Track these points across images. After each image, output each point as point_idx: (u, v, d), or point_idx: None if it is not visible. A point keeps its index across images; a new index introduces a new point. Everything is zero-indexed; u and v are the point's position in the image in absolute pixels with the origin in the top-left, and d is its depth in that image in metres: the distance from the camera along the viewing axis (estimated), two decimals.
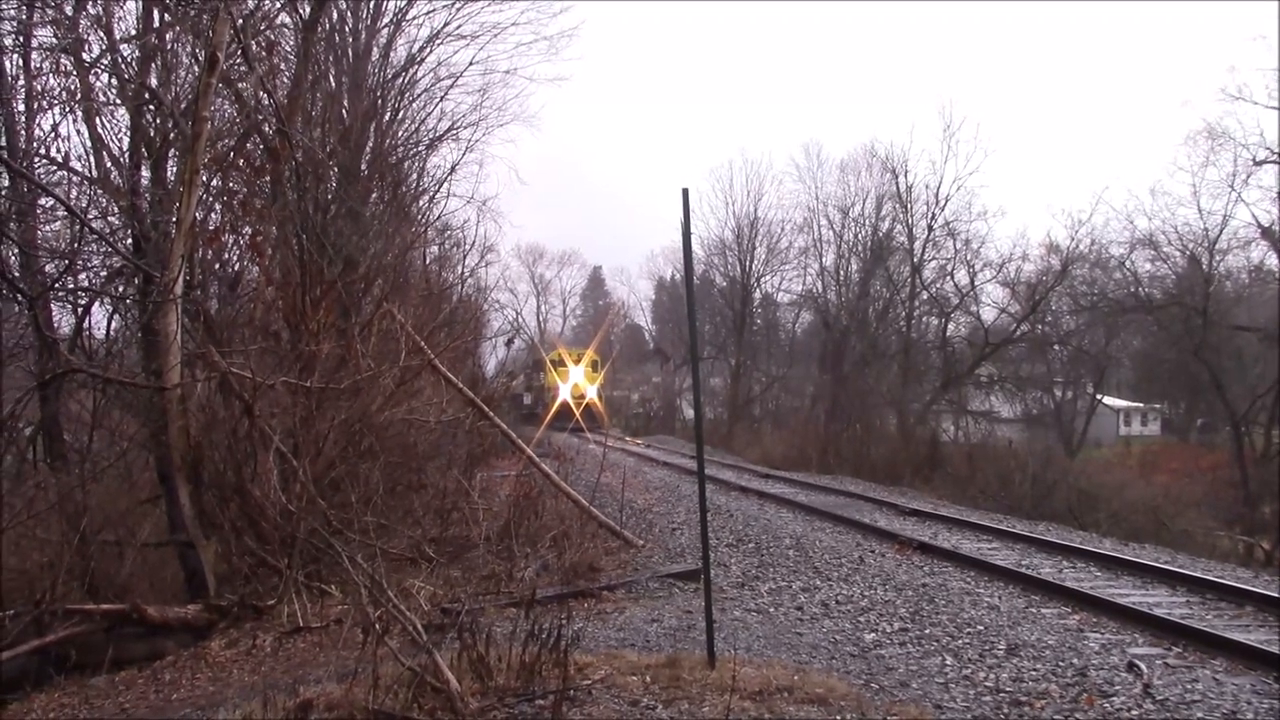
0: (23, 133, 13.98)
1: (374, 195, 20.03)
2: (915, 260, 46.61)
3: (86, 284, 13.94)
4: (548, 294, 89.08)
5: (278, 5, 16.15)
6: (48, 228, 13.91)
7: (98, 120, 14.08)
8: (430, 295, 20.31)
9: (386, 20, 23.30)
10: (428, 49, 23.79)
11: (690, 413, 56.13)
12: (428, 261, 25.28)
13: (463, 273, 25.67)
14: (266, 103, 14.47)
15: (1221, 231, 41.81)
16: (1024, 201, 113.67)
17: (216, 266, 14.91)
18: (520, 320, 76.92)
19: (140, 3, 14.18)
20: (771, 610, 10.70)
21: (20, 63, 13.88)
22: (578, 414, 39.41)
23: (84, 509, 11.99)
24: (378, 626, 6.81)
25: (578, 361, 47.95)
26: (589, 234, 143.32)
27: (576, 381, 45.79)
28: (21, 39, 13.56)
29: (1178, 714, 6.90)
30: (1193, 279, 43.70)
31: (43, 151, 13.63)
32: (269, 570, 11.71)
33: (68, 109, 13.52)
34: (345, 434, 12.95)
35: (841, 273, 51.56)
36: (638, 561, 13.43)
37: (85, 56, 13.82)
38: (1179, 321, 42.38)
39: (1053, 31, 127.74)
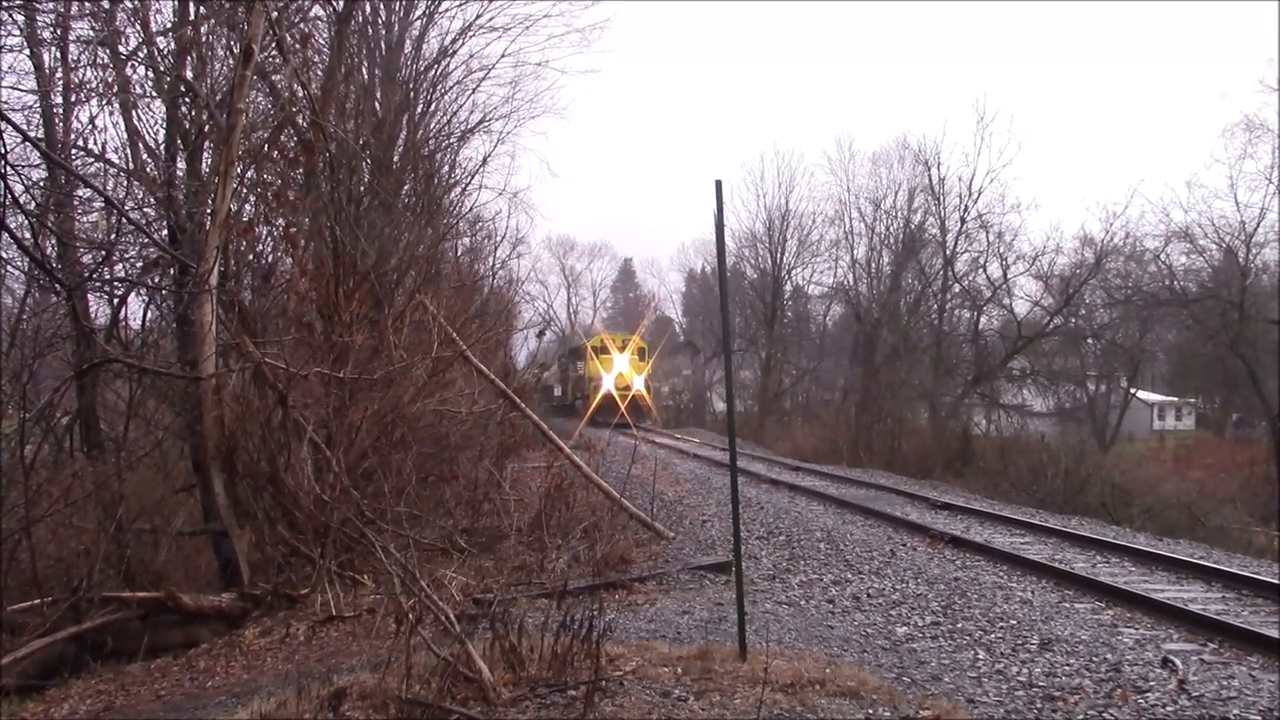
0: (60, 125, 14.11)
1: (406, 187, 20.13)
2: (947, 253, 46.30)
3: (123, 274, 14.05)
4: (578, 286, 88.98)
5: None
6: (85, 219, 14.03)
7: (134, 113, 14.20)
8: (462, 287, 20.39)
9: (419, 13, 23.41)
10: (460, 41, 23.87)
11: (720, 405, 55.90)
12: (459, 253, 25.45)
13: (494, 264, 25.87)
14: (300, 95, 14.56)
15: (1259, 224, 41.23)
16: (1058, 194, 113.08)
17: (250, 258, 15.01)
18: (551, 312, 77.11)
19: None
20: (802, 603, 10.70)
21: (58, 55, 14.01)
22: (623, 407, 35.32)
23: (120, 498, 12.11)
24: (410, 616, 6.85)
25: (622, 348, 43.55)
26: (620, 226, 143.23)
27: (621, 370, 41.66)
28: (60, 32, 13.68)
29: (1213, 710, 6.85)
30: (1229, 272, 43.22)
31: (80, 143, 13.74)
32: (302, 559, 11.79)
33: (105, 101, 13.62)
34: (378, 424, 13.02)
35: (873, 265, 51.34)
36: (669, 553, 13.44)
37: (122, 49, 13.92)
38: (1215, 315, 41.89)
39: (1088, 23, 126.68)
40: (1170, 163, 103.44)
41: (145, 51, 14.14)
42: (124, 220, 12.11)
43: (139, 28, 14.07)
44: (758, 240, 58.52)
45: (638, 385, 42.06)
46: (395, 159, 20.33)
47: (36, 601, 10.41)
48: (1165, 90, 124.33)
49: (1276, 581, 11.21)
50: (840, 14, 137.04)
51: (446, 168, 24.45)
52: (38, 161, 12.24)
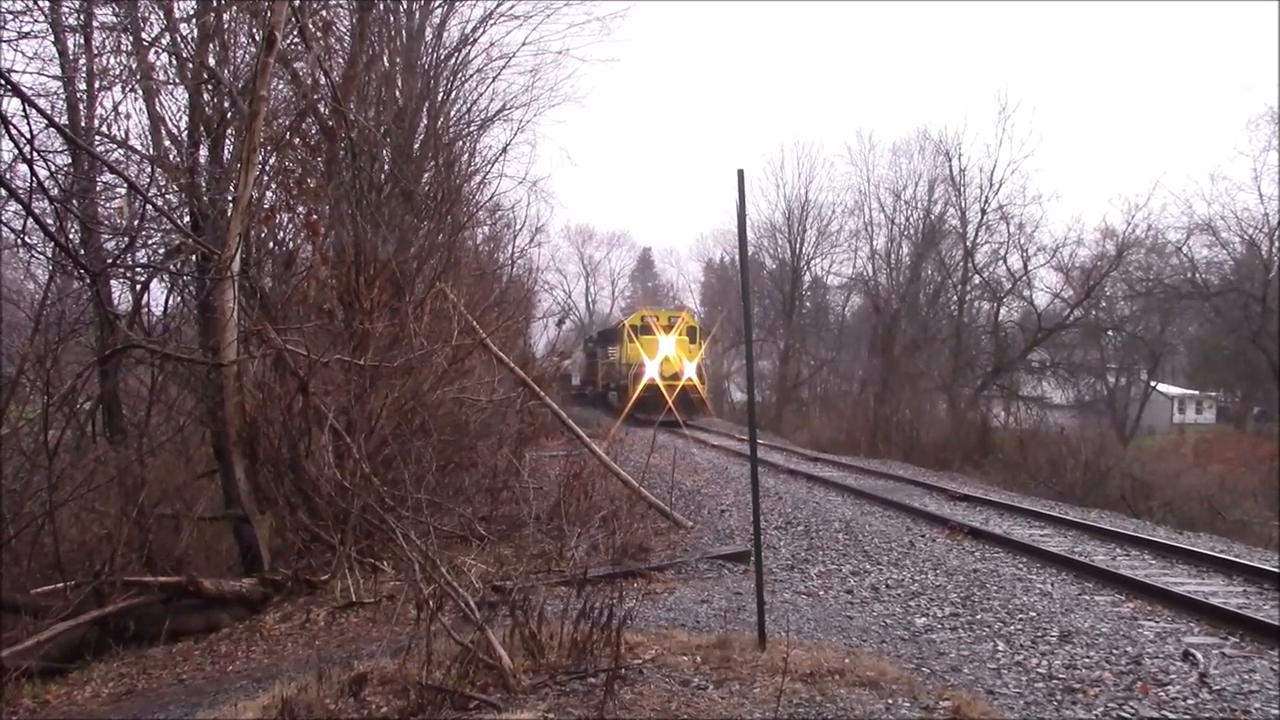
0: (84, 111, 14.15)
1: (427, 175, 20.12)
2: (968, 244, 46.08)
3: (146, 261, 14.10)
4: (597, 275, 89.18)
5: None
6: (108, 205, 14.08)
7: (157, 99, 14.24)
8: (482, 275, 20.41)
9: (440, 0, 23.35)
10: (481, 29, 23.79)
11: (737, 395, 55.67)
12: (479, 241, 25.42)
13: (513, 253, 25.74)
14: (322, 82, 14.59)
15: None
16: (1079, 186, 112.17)
17: (272, 245, 15.05)
18: (570, 301, 77.15)
19: None
20: (821, 593, 10.69)
21: (81, 41, 14.03)
22: (670, 400, 28.98)
23: (142, 483, 12.16)
24: (430, 603, 6.87)
25: (668, 328, 35.47)
26: (639, 215, 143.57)
27: (668, 355, 34.04)
28: (83, 18, 13.71)
29: (1234, 704, 6.83)
30: (1251, 265, 43.07)
31: (104, 129, 13.79)
32: (323, 545, 11.85)
33: (128, 88, 13.66)
34: (398, 412, 13.05)
35: (892, 256, 51.10)
36: (687, 542, 13.45)
37: (145, 36, 13.97)
38: (1237, 308, 41.76)
39: (1111, 13, 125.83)
40: (1193, 155, 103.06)
41: (168, 38, 14.17)
42: (147, 206, 12.14)
43: (162, 14, 14.11)
44: (777, 230, 58.30)
45: (689, 373, 34.31)
46: (416, 147, 20.33)
47: (59, 585, 10.47)
48: (1189, 82, 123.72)
49: None
50: (861, 4, 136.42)
51: (466, 156, 24.36)
52: (62, 147, 12.28)
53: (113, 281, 14.31)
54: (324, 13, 15.32)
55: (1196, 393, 69.25)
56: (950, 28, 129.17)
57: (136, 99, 14.06)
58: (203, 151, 14.24)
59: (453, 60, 23.86)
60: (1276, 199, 41.00)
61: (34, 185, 8.38)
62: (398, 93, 20.81)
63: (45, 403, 12.95)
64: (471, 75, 24.55)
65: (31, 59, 13.36)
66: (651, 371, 33.16)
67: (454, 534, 12.85)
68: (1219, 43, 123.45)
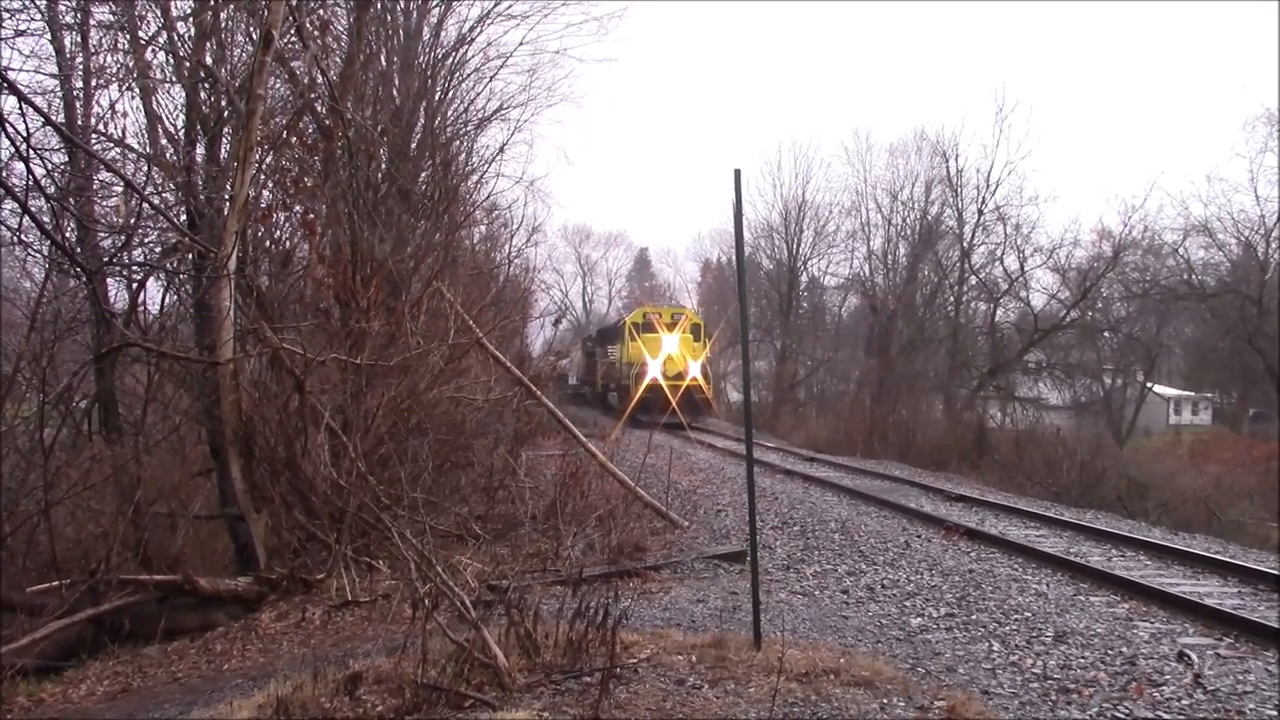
0: (81, 109, 14.15)
1: (424, 174, 20.11)
2: (964, 245, 46.05)
3: (142, 259, 14.09)
4: (594, 275, 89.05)
5: None
6: (105, 203, 14.08)
7: (154, 98, 14.24)
8: (479, 274, 20.41)
9: (437, 0, 23.31)
10: (478, 29, 23.72)
11: (734, 395, 55.60)
12: (476, 241, 25.40)
13: (510, 252, 25.70)
14: (319, 81, 14.58)
15: None
16: (1076, 186, 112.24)
17: (268, 243, 15.04)
18: (567, 301, 77.08)
19: None
20: (817, 593, 10.69)
21: (78, 39, 14.04)
22: (674, 401, 28.17)
23: (138, 481, 12.18)
24: (426, 601, 6.88)
25: (672, 327, 34.12)
26: (636, 215, 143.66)
27: (671, 353, 32.43)
28: (80, 16, 13.72)
29: (1229, 705, 6.83)
30: (1248, 266, 43.12)
31: (100, 128, 13.79)
32: (318, 544, 11.85)
33: (125, 86, 13.66)
34: (394, 411, 13.04)
35: (889, 256, 50.96)
36: (683, 542, 13.44)
37: (142, 34, 13.98)
38: (1233, 309, 41.81)
39: (1108, 12, 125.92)
40: (1190, 155, 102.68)
41: (165, 37, 14.17)
42: (144, 205, 12.15)
43: (159, 13, 14.11)
44: (774, 231, 58.14)
45: (694, 373, 32.65)
46: (413, 146, 20.31)
47: (55, 583, 10.49)
48: (1186, 82, 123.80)
49: None
50: (858, 4, 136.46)
51: (463, 155, 24.27)
52: (58, 145, 12.28)
53: (109, 280, 14.34)
54: (321, 12, 15.32)
55: (1192, 394, 69.33)
56: (947, 28, 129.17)
57: (133, 97, 14.10)
58: (199, 150, 14.23)
59: (450, 60, 23.82)
60: (1273, 200, 41.09)
61: (30, 183, 8.37)
62: (395, 92, 20.79)
63: (41, 401, 12.95)
64: (469, 75, 24.49)
65: (28, 57, 13.38)
66: (654, 371, 31.72)
67: (450, 533, 12.85)
68: (1216, 43, 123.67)
